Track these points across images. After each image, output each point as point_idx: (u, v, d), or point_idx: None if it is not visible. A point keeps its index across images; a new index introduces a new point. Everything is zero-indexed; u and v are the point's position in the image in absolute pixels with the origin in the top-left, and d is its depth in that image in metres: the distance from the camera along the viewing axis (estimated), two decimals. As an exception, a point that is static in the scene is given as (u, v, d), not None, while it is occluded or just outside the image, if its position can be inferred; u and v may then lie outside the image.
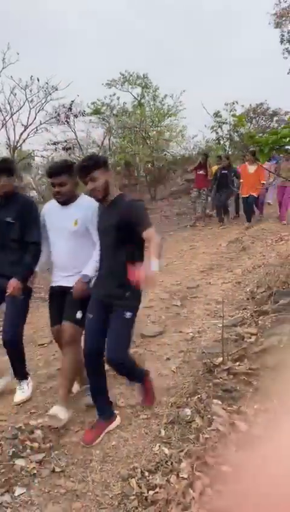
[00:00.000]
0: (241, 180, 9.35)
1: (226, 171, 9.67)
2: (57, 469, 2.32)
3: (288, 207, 9.16)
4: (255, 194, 9.16)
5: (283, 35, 16.84)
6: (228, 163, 9.77)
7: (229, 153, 15.43)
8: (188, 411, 2.63)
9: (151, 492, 2.02)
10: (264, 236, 8.25)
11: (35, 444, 2.52)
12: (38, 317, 4.97)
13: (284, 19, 16.10)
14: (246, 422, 2.42)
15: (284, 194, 9.12)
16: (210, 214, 10.82)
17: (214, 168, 10.28)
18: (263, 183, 9.26)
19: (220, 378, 2.94)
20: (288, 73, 17.82)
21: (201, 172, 9.95)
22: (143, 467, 2.23)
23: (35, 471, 2.31)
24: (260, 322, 3.81)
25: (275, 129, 3.63)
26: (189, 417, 2.57)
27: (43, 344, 4.16)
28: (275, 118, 23.65)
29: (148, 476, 2.15)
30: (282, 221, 9.20)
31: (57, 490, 2.18)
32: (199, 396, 2.75)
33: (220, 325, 3.77)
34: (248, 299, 4.65)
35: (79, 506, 2.06)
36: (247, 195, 9.22)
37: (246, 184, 9.17)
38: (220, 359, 3.14)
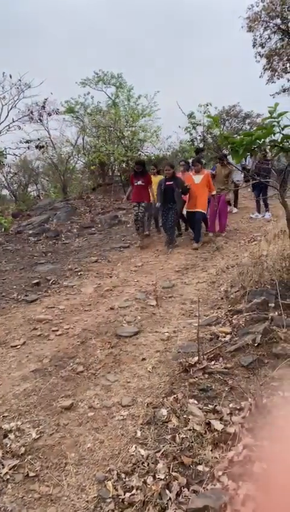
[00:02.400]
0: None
1: (171, 182, 7.86)
2: (31, 473, 2.27)
3: (226, 216, 8.75)
4: (203, 210, 8.02)
5: (255, 39, 17.15)
6: (172, 172, 7.92)
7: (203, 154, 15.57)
8: (164, 411, 2.63)
9: (127, 494, 2.00)
10: (237, 236, 8.37)
11: (9, 449, 2.46)
12: (11, 318, 4.87)
13: (256, 23, 16.39)
14: (221, 421, 2.44)
15: (219, 203, 8.43)
16: (147, 233, 8.97)
17: (153, 178, 8.72)
18: (213, 195, 8.23)
19: (196, 377, 2.95)
20: (260, 77, 18.17)
21: (139, 182, 8.30)
22: (119, 469, 2.21)
23: (8, 477, 2.26)
24: (234, 321, 3.85)
25: (248, 131, 3.68)
26: (165, 417, 2.57)
27: (16, 346, 4.07)
28: (247, 121, 24.12)
29: (125, 478, 2.13)
30: (222, 233, 8.55)
31: (31, 495, 2.13)
32: (175, 396, 2.75)
33: (196, 325, 3.79)
34: (222, 298, 4.70)
35: (54, 511, 2.02)
36: (193, 211, 8.05)
37: (193, 197, 8.03)
38: (196, 358, 3.15)
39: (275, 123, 3.21)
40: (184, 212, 8.59)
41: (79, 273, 6.68)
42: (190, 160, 9.89)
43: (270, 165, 8.70)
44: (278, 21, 16.35)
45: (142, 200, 8.36)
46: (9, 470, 2.30)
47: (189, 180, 8.07)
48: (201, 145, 15.60)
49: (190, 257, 7.16)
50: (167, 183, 7.91)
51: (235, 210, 11.11)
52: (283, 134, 3.24)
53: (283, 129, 3.21)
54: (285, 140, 3.28)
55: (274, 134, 3.22)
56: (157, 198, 8.21)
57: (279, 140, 3.33)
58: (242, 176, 10.40)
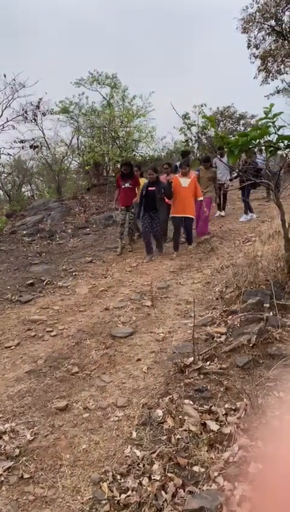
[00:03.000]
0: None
1: (153, 188, 7.24)
2: (26, 475, 2.25)
3: (207, 220, 8.47)
4: (192, 215, 7.59)
5: (249, 40, 17.20)
6: (156, 177, 7.32)
7: (197, 155, 15.63)
8: (159, 412, 2.62)
9: (123, 495, 1.99)
10: (232, 237, 8.38)
11: (3, 450, 2.44)
12: (4, 319, 4.84)
13: (251, 24, 16.44)
14: (217, 421, 2.43)
15: (201, 207, 8.01)
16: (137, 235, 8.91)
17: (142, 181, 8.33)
18: (201, 200, 7.77)
19: (191, 378, 2.94)
20: (255, 78, 18.24)
21: (127, 185, 7.83)
22: (115, 470, 2.20)
23: (2, 479, 2.24)
24: (229, 321, 3.85)
25: (244, 132, 3.68)
26: (160, 418, 2.56)
27: (10, 346, 4.05)
28: (241, 122, 24.21)
29: (120, 479, 2.12)
30: (201, 237, 8.23)
31: (25, 497, 2.11)
32: (171, 396, 2.74)
33: (191, 325, 3.79)
34: (217, 298, 4.70)
35: (49, 513, 2.01)
36: (181, 216, 7.48)
37: (180, 201, 7.40)
38: (191, 359, 3.15)
39: (271, 123, 3.22)
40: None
41: (74, 274, 6.66)
42: (178, 163, 9.62)
43: (265, 166, 8.63)
44: (273, 22, 16.42)
45: (130, 204, 7.98)
46: (4, 471, 2.28)
47: (175, 182, 7.43)
48: (195, 145, 15.64)
49: (184, 258, 7.16)
50: (149, 188, 7.28)
51: (223, 213, 10.89)
52: (278, 134, 3.25)
53: (278, 130, 3.22)
54: (280, 141, 3.29)
55: (269, 134, 3.23)
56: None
57: (274, 140, 3.34)
58: (229, 176, 10.30)
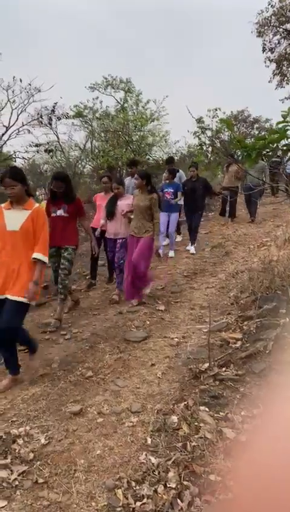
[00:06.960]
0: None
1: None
2: (40, 480, 2.24)
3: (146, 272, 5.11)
4: (20, 298, 3.19)
5: (265, 44, 17.12)
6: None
7: (211, 159, 15.58)
8: (174, 418, 2.59)
9: (138, 503, 1.96)
10: (246, 242, 8.30)
11: (17, 454, 2.43)
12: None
13: (266, 28, 16.37)
14: (233, 429, 2.39)
15: (137, 251, 4.99)
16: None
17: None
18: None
19: (207, 384, 2.91)
20: (269, 82, 18.14)
21: (60, 213, 4.92)
22: (129, 477, 2.17)
23: (17, 483, 2.22)
24: (244, 327, 3.80)
25: (262, 135, 3.64)
26: (176, 424, 2.53)
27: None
28: (255, 125, 24.10)
29: (135, 486, 2.09)
30: (132, 300, 5.11)
31: (40, 502, 2.09)
32: (186, 403, 2.71)
33: (205, 330, 3.75)
34: (232, 304, 4.65)
35: (63, 519, 1.99)
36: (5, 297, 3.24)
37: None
38: (206, 365, 3.12)
39: (289, 127, 3.17)
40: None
41: (87, 277, 6.66)
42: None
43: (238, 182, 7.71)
44: (288, 26, 16.32)
45: (66, 244, 5.09)
46: (18, 475, 2.27)
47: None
48: (209, 149, 15.48)
49: (198, 262, 7.12)
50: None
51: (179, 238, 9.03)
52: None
53: (296, 133, 3.17)
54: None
55: (287, 138, 3.19)
56: None
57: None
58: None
